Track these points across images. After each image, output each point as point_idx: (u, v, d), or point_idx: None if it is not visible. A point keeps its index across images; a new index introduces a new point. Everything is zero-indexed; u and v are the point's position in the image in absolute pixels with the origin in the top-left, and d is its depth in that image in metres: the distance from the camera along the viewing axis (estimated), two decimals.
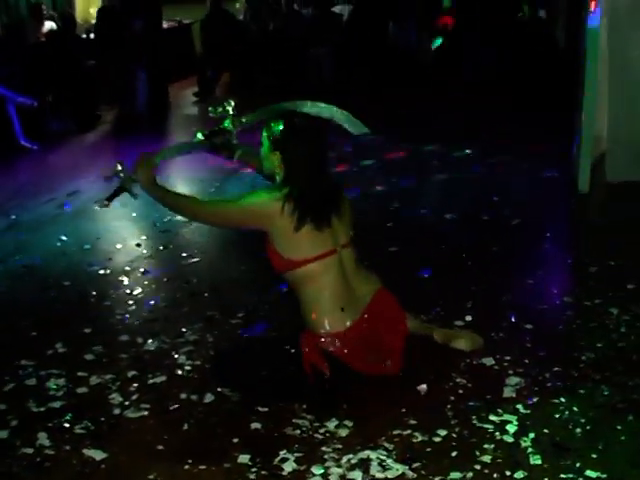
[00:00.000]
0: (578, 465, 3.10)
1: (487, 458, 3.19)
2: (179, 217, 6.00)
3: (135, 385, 3.96)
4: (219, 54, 13.03)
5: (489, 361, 3.95)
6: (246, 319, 4.64)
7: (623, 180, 6.76)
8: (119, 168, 3.88)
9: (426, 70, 13.08)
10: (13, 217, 7.00)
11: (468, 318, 4.45)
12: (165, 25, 14.04)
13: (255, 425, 3.51)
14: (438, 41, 13.44)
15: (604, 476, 3.04)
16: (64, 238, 6.34)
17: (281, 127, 3.69)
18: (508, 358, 3.97)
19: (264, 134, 3.77)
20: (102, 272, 5.56)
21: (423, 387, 3.73)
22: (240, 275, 5.36)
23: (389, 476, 3.12)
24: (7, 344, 4.54)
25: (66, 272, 5.60)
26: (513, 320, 4.40)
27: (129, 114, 11.64)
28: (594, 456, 3.16)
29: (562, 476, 3.05)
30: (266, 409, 3.62)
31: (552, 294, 4.77)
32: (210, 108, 4.40)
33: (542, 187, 7.12)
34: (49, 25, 12.97)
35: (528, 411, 3.49)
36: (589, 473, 3.06)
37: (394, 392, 3.71)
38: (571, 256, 5.45)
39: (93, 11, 15.79)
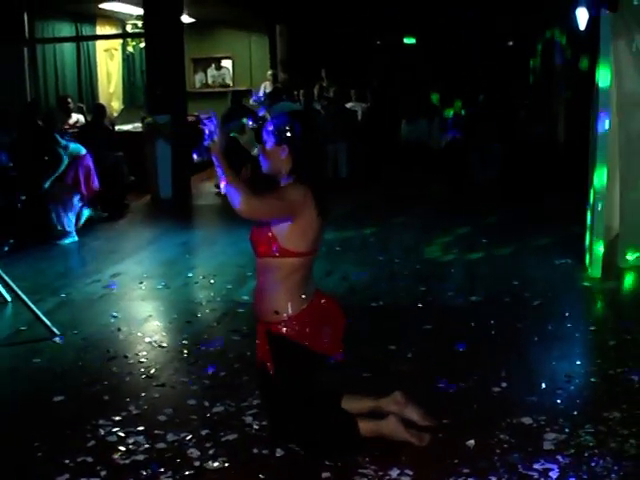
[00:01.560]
0: None
1: None
2: (226, 297, 6.52)
3: (209, 442, 4.41)
4: (238, 149, 13.68)
5: (527, 420, 4.45)
6: None
7: (634, 265, 7.35)
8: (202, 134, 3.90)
9: (437, 159, 13.72)
10: (63, 295, 7.48)
11: (504, 384, 4.96)
12: None
13: (325, 474, 3.97)
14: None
15: None
16: (116, 314, 6.82)
17: (287, 120, 4.00)
18: (544, 417, 4.47)
19: (268, 130, 4.00)
20: (160, 345, 6.04)
21: (471, 442, 4.21)
22: None
23: None
24: (83, 406, 4.98)
25: (125, 345, 6.08)
26: (544, 386, 4.91)
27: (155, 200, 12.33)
28: None
29: None
30: (333, 463, 4.07)
31: (577, 364, 5.31)
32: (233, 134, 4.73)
33: (557, 272, 7.71)
34: (76, 117, 13.66)
35: (567, 460, 3.97)
36: None
37: (446, 446, 4.18)
38: (590, 332, 5.99)
39: (115, 105, 16.58)
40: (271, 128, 4.00)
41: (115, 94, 16.87)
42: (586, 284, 7.28)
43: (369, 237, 9.48)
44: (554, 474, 3.85)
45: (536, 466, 3.93)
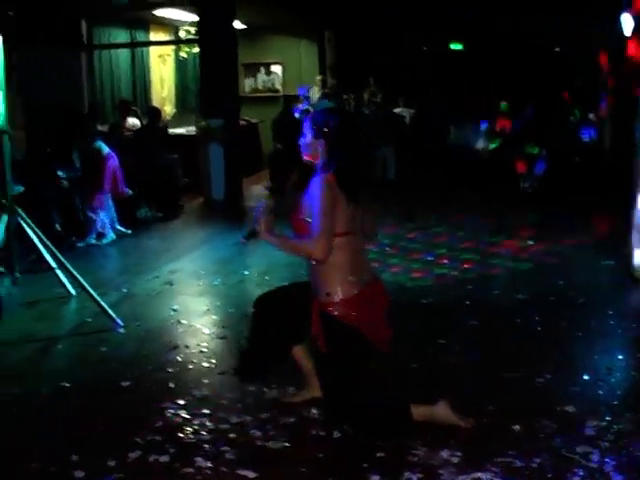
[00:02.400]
0: None
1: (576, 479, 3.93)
2: None
3: (270, 424, 4.71)
4: (289, 153, 14.02)
5: (570, 408, 4.72)
6: None
7: None
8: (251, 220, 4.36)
9: (482, 167, 13.94)
10: (124, 290, 7.84)
11: (548, 376, 5.23)
12: None
13: (380, 454, 4.26)
14: (494, 144, 14.33)
15: None
16: (175, 308, 7.16)
17: (325, 116, 4.38)
18: (585, 406, 4.73)
19: (308, 125, 4.37)
20: (219, 336, 6.37)
21: (516, 427, 4.48)
22: None
23: None
24: (150, 391, 5.31)
25: (186, 336, 6.41)
26: (586, 378, 5.17)
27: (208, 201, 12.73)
28: None
29: None
30: (386, 444, 4.36)
31: (618, 358, 5.57)
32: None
33: (602, 272, 8.01)
34: (132, 121, 14.05)
35: (607, 444, 4.23)
36: None
37: (492, 430, 4.47)
38: (632, 328, 6.29)
39: (168, 109, 16.98)
40: (311, 123, 4.37)
41: (168, 98, 17.23)
42: (630, 284, 7.51)
43: (416, 237, 9.75)
44: (595, 457, 4.11)
45: (578, 450, 4.19)
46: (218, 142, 12.98)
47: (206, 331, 6.53)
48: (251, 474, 4.14)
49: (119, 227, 10.53)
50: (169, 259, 9.16)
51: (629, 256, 7.80)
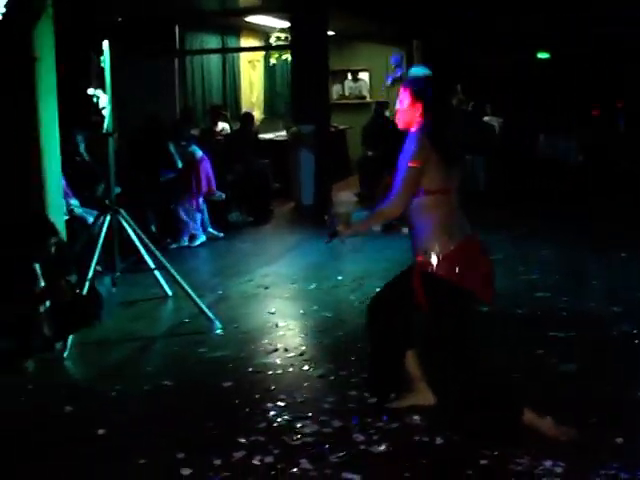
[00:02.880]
0: None
1: None
2: None
3: (372, 429, 4.76)
4: (380, 159, 14.12)
5: None
6: None
7: None
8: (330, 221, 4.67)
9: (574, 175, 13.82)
10: (220, 292, 7.98)
11: None
12: None
13: (483, 461, 4.28)
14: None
15: None
16: (272, 311, 7.28)
17: (423, 83, 4.57)
18: None
19: (405, 91, 4.60)
20: (318, 340, 6.48)
21: (620, 440, 4.46)
22: None
23: None
24: (251, 392, 5.40)
25: (284, 339, 6.52)
26: None
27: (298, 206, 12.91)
28: None
29: None
30: (489, 452, 4.38)
31: None
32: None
33: None
34: (221, 125, 14.27)
35: None
36: None
37: (595, 443, 4.46)
38: None
39: (256, 114, 17.17)
40: (408, 88, 4.60)
41: (257, 104, 17.44)
42: None
43: (510, 249, 9.68)
44: None
45: None
46: (308, 148, 13.12)
47: (303, 335, 6.64)
48: (356, 477, 4.19)
49: (211, 230, 10.70)
50: (262, 263, 9.29)
51: None
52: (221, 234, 10.78)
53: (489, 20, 18.08)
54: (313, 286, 8.14)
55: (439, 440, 4.56)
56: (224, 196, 10.94)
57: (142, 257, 7.42)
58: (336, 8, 13.78)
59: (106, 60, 6.82)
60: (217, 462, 4.37)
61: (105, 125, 6.90)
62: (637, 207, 12.39)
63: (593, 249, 9.60)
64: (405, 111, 4.62)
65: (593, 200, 12.87)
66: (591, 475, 4.09)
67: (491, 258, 4.82)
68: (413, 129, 4.58)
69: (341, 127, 17.20)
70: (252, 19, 15.65)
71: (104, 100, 6.84)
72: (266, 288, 8.14)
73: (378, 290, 5.10)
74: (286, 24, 14.97)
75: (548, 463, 4.23)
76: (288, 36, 16.19)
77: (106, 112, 6.86)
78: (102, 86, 6.84)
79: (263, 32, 17.18)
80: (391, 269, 8.21)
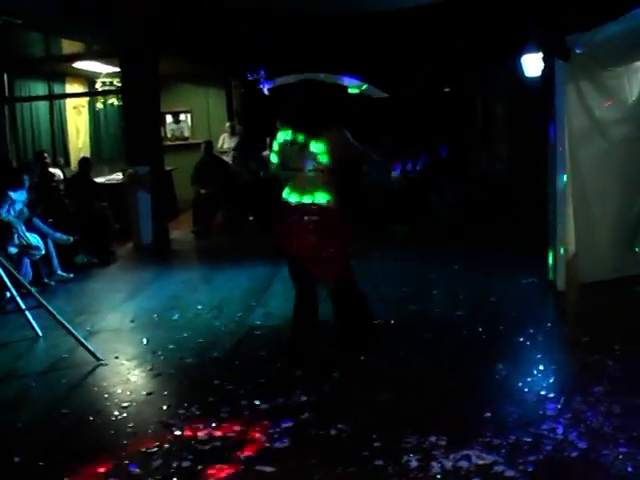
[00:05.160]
0: None
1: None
2: (239, 323, 7.44)
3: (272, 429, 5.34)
4: (211, 196, 14.76)
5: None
6: None
7: (592, 280, 8.54)
8: None
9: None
10: (88, 328, 8.22)
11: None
12: None
13: (377, 444, 4.96)
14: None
15: None
16: (145, 341, 7.68)
17: None
18: None
19: None
20: (196, 364, 6.95)
21: (488, 414, 5.30)
22: None
23: None
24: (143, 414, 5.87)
25: (164, 364, 6.96)
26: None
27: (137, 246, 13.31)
28: None
29: None
30: (378, 434, 5.04)
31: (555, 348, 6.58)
32: None
33: (526, 289, 8.96)
34: (54, 171, 14.37)
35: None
36: None
37: (468, 418, 5.27)
38: (563, 331, 7.42)
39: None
40: None
41: (83, 149, 17.59)
42: (554, 297, 8.60)
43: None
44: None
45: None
46: (145, 188, 13.46)
47: (183, 357, 7.10)
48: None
49: (61, 272, 10.87)
50: (120, 299, 9.62)
51: (549, 272, 8.71)
52: (71, 275, 10.97)
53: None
54: (176, 316, 8.53)
55: (333, 432, 5.19)
56: (72, 239, 11.15)
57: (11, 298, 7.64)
58: (161, 51, 14.18)
59: None
60: None
61: None
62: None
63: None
64: None
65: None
66: (471, 443, 4.83)
67: None
68: None
69: (167, 168, 17.55)
70: (80, 65, 15.75)
71: None
72: (132, 321, 8.50)
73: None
74: (113, 69, 15.30)
75: (433, 438, 4.94)
76: (113, 81, 16.58)
77: None
78: None
79: (88, 77, 17.38)
80: (244, 295, 8.93)
